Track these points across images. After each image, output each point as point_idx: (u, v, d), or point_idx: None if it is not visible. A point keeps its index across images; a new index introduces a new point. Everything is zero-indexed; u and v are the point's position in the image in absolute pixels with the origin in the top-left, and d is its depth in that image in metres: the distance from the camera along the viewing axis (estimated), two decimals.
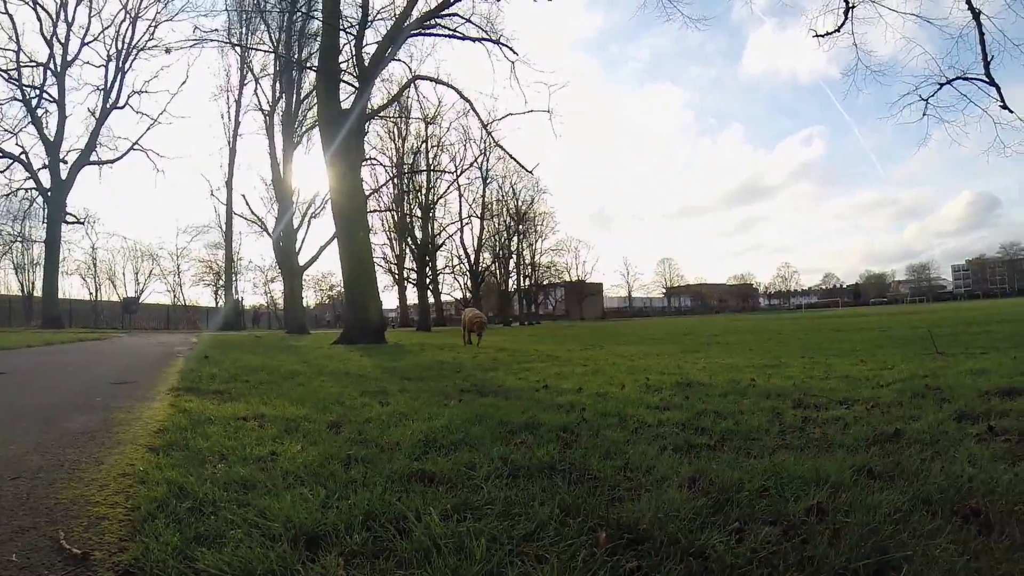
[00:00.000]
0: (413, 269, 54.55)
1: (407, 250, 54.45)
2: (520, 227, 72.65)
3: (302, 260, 38.07)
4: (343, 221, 20.90)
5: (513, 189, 69.33)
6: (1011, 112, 14.73)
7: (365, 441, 3.96)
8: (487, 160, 60.35)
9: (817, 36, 16.24)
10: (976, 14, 13.90)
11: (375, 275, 22.38)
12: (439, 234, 56.63)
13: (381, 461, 3.39)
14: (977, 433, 3.75)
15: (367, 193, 32.36)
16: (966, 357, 8.18)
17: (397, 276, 56.09)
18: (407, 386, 7.12)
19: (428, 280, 54.65)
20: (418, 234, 53.55)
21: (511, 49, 22.79)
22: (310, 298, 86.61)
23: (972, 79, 14.78)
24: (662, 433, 4.14)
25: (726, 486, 2.78)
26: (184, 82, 43.05)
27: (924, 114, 15.19)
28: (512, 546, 2.20)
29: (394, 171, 51.19)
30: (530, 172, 28.83)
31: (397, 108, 43.09)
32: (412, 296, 59.13)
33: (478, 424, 4.39)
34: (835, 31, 15.85)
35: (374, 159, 47.09)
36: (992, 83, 14.57)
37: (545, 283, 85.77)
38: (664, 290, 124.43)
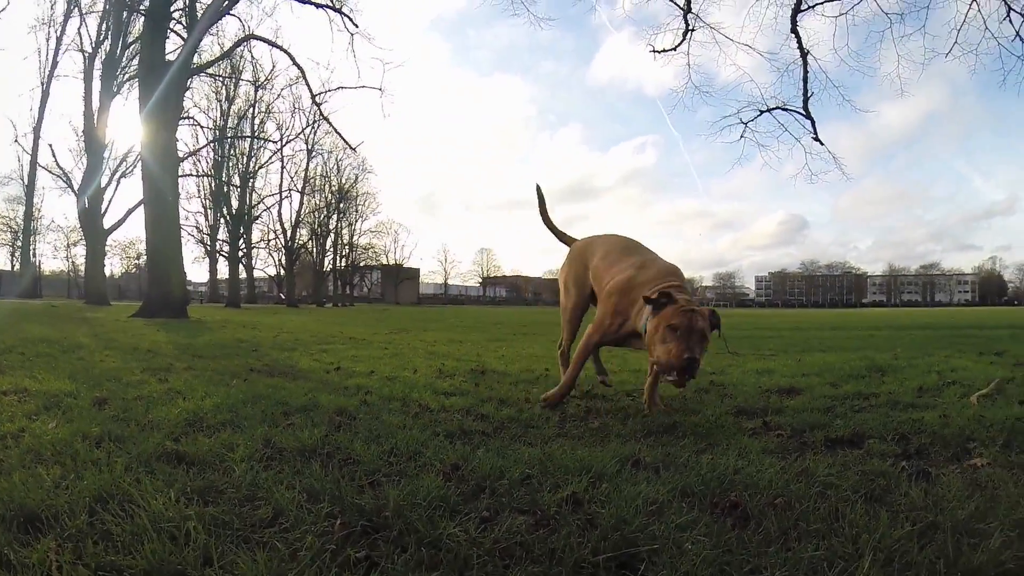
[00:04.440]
0: (226, 241, 51.78)
1: (222, 220, 51.74)
2: (341, 205, 70.78)
3: (108, 223, 35.42)
4: (152, 182, 19.52)
5: (338, 165, 67.34)
6: (821, 144, 16.07)
7: (127, 419, 3.70)
8: (315, 132, 57.90)
9: (655, 52, 16.89)
10: (804, 53, 15.01)
11: (180, 244, 21.14)
12: (256, 205, 54.35)
13: (135, 440, 3.16)
14: (752, 428, 3.87)
15: (184, 155, 30.50)
16: (756, 358, 8.68)
17: (209, 248, 53.27)
18: (195, 364, 6.77)
19: (241, 254, 52.27)
20: (235, 204, 51.01)
21: (352, 20, 22.29)
22: (115, 266, 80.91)
23: (791, 110, 15.87)
24: (441, 419, 4.04)
25: (487, 474, 2.70)
26: (4, 8, 38.27)
27: (742, 136, 16.32)
28: (244, 532, 2.06)
29: (216, 134, 48.55)
30: (354, 149, 28.33)
31: (228, 67, 41.00)
32: (224, 270, 55.90)
33: (253, 404, 4.19)
34: (671, 49, 16.60)
35: (195, 119, 44.53)
36: (808, 116, 15.92)
37: (362, 264, 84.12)
38: (480, 279, 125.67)
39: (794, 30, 14.88)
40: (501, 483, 2.61)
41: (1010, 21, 13.58)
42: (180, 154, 26.70)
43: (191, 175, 48.65)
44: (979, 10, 13.98)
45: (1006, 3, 13.57)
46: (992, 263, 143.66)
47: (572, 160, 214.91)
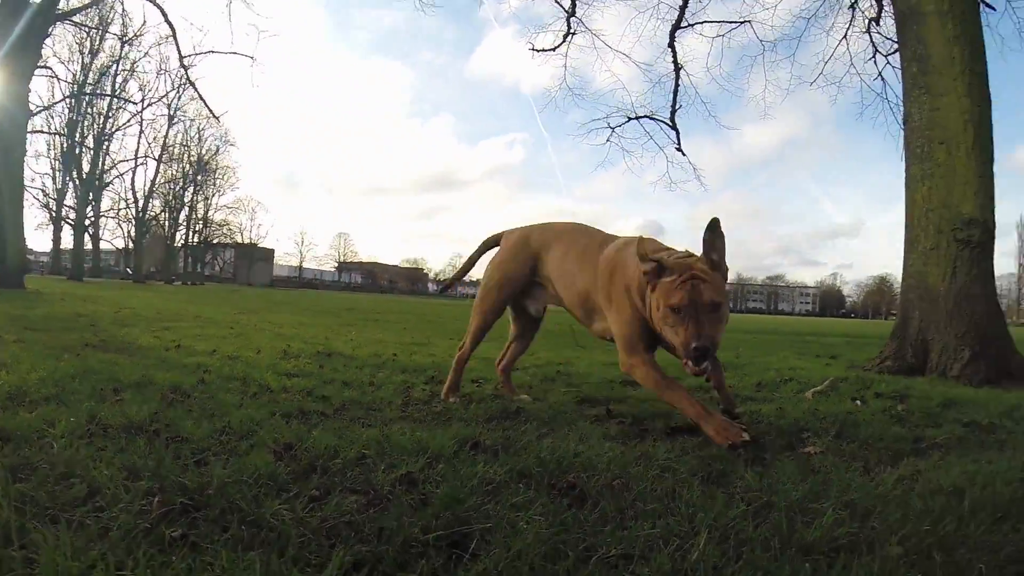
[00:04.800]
0: (73, 207, 48.66)
1: (70, 184, 48.66)
2: (199, 177, 67.68)
3: None
4: None
5: (200, 135, 64.49)
6: (683, 155, 16.96)
7: None
8: (179, 97, 55.35)
9: (534, 50, 17.03)
10: (677, 68, 15.59)
11: (22, 207, 19.67)
12: (110, 170, 51.44)
13: None
14: (595, 415, 3.88)
15: (36, 109, 28.07)
16: (604, 351, 8.81)
17: (54, 214, 49.82)
18: (26, 336, 6.35)
19: (88, 222, 49.23)
20: (86, 167, 47.98)
21: None
22: None
23: (658, 120, 16.49)
24: (281, 399, 3.88)
25: (321, 454, 2.58)
26: None
27: (608, 140, 16.76)
28: (54, 510, 1.87)
29: (75, 89, 45.30)
30: (217, 119, 27.19)
31: (96, 17, 38.49)
32: (68, 240, 52.19)
33: (82, 379, 3.91)
34: (551, 50, 16.82)
35: (53, 70, 41.32)
36: (674, 127, 16.60)
37: (215, 242, 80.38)
38: (336, 264, 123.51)
39: (671, 45, 15.34)
40: (335, 463, 2.50)
41: (875, 62, 14.67)
42: (32, 108, 24.71)
43: (42, 131, 45.52)
44: (848, 48, 14.97)
45: (873, 45, 14.49)
46: (833, 278, 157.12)
47: (441, 150, 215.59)
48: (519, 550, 1.72)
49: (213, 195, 72.58)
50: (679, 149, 16.86)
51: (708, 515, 2.04)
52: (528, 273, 4.40)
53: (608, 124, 16.64)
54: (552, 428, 3.46)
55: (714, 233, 3.20)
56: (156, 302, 16.55)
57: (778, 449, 3.21)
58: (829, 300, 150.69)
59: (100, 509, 1.86)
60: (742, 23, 14.92)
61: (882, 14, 13.63)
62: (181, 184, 65.30)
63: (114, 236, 60.33)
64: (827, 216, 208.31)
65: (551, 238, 4.34)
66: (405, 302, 47.55)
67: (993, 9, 11.60)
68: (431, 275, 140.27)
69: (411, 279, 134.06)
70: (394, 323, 14.96)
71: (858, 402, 4.65)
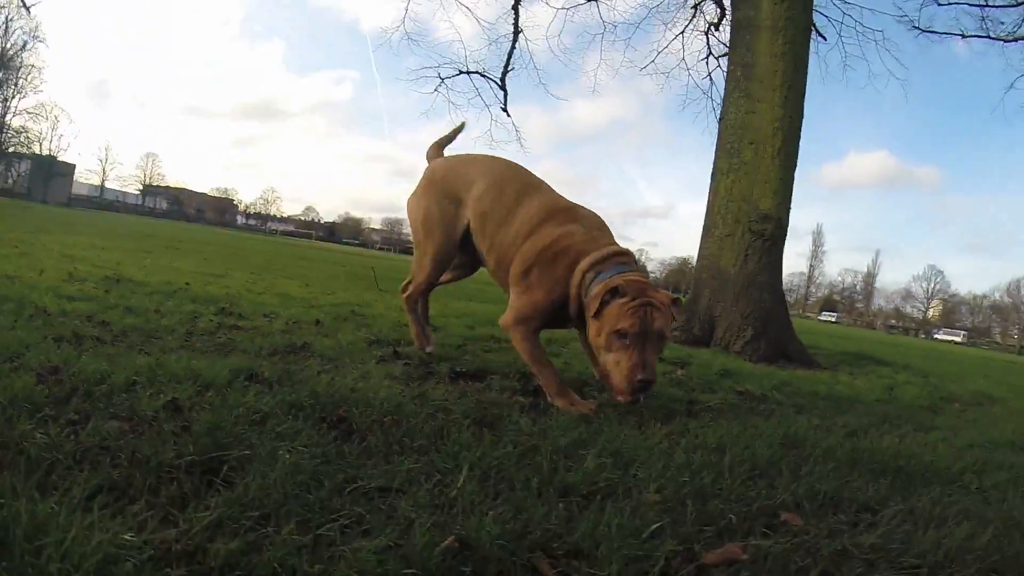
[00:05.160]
0: None
1: None
2: (1, 74, 60.38)
3: None
4: None
5: (7, 25, 57.56)
6: (508, 116, 17.07)
7: None
8: None
9: None
10: (517, 30, 15.64)
11: None
12: None
13: None
14: (382, 355, 3.88)
15: None
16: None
17: None
18: None
19: None
20: None
21: None
22: None
23: (488, 78, 16.56)
24: (58, 323, 3.62)
25: (88, 379, 2.43)
26: None
27: (436, 90, 16.57)
28: None
29: None
30: (27, 9, 24.35)
31: None
32: None
33: None
34: None
35: None
36: (503, 88, 16.62)
37: (11, 150, 72.46)
38: (142, 187, 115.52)
39: (516, 7, 15.28)
40: (101, 388, 2.36)
41: (707, 63, 15.51)
42: None
43: None
44: (683, 44, 15.68)
45: (708, 47, 15.26)
46: (639, 254, 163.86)
47: (266, 76, 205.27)
48: (275, 478, 1.70)
49: (14, 96, 65.72)
50: (504, 110, 16.96)
51: (473, 453, 2.11)
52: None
53: (439, 75, 16.53)
54: (336, 366, 3.43)
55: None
56: None
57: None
58: None
59: None
60: (589, 0, 15.15)
61: (722, 21, 14.36)
62: None
63: None
64: (641, 196, 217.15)
65: (474, 175, 4.03)
66: (211, 232, 45.35)
67: (824, 39, 12.83)
68: (241, 207, 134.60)
69: (220, 209, 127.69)
70: (194, 252, 14.34)
71: None
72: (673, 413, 3.29)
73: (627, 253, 3.36)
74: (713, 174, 7.62)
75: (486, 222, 3.80)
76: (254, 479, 1.68)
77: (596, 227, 3.54)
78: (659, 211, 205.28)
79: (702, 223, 7.73)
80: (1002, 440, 3.82)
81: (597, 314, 3.03)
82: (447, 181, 4.05)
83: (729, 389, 4.31)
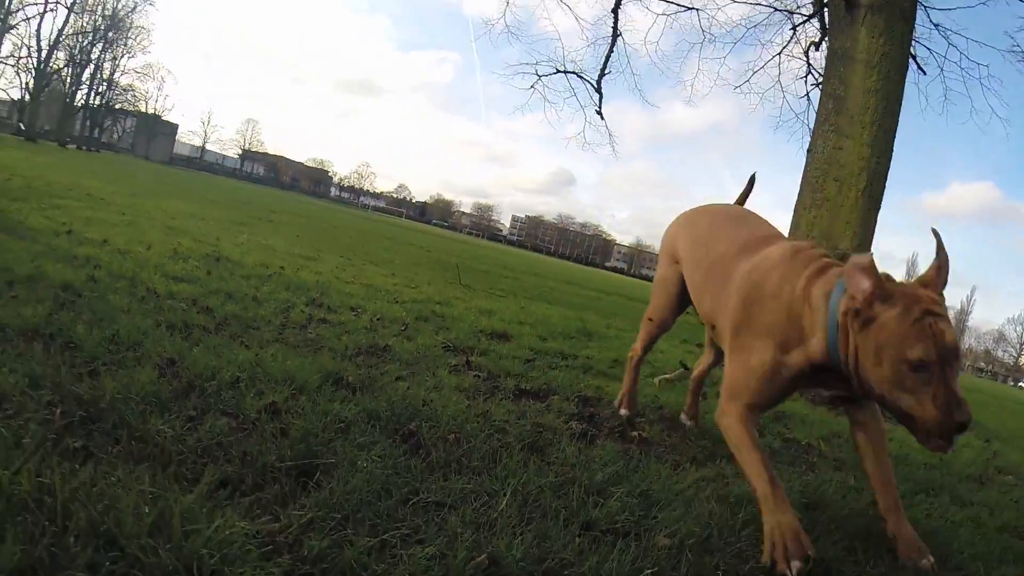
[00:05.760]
0: None
1: None
2: (111, 34, 61.81)
3: None
4: None
5: None
6: (602, 119, 17.05)
7: None
8: None
9: None
10: (616, 34, 15.61)
11: None
12: (16, 12, 47.35)
13: None
14: (455, 364, 4.20)
15: None
16: (485, 296, 9.13)
17: None
18: None
19: None
20: None
21: None
22: None
23: (585, 79, 16.61)
24: (167, 307, 4.05)
25: (200, 373, 2.83)
26: None
27: (532, 87, 16.72)
28: None
29: None
30: None
31: None
32: None
33: None
34: None
35: None
36: (598, 91, 16.62)
37: (118, 107, 74.35)
38: (241, 151, 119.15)
39: (616, 10, 15.39)
40: (211, 384, 2.74)
41: (805, 81, 15.14)
42: None
43: None
44: (779, 64, 15.41)
45: (808, 66, 14.92)
46: None
47: (370, 51, 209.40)
48: (354, 486, 2.06)
49: (123, 56, 66.75)
50: (599, 112, 17.03)
51: (518, 479, 2.41)
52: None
53: (536, 71, 16.76)
54: (413, 372, 3.77)
55: (944, 251, 2.37)
56: (49, 171, 15.74)
57: (609, 430, 3.50)
58: None
59: (9, 417, 2.05)
60: (690, 9, 15.17)
61: (823, 42, 13.82)
62: (91, 38, 59.96)
63: (10, 85, 55.60)
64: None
65: (684, 226, 3.64)
66: (304, 204, 46.52)
67: (924, 73, 12.27)
68: (336, 179, 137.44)
69: (315, 180, 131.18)
70: (288, 227, 14.98)
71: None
72: (714, 455, 3.38)
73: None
74: (796, 206, 7.46)
75: (692, 275, 3.38)
76: (339, 484, 2.04)
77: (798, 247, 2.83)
78: None
79: None
80: None
81: (862, 330, 2.22)
82: (667, 237, 3.78)
83: (777, 435, 4.29)
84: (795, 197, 7.42)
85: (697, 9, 15.11)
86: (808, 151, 7.54)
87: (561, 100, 18.57)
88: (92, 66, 62.82)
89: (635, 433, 3.49)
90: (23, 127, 51.07)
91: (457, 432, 2.81)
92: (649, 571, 1.95)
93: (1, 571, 1.28)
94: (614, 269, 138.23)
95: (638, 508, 2.41)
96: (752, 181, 3.99)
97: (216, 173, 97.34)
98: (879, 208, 7.15)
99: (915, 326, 2.12)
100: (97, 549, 1.45)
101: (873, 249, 6.90)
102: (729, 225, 3.27)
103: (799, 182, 7.53)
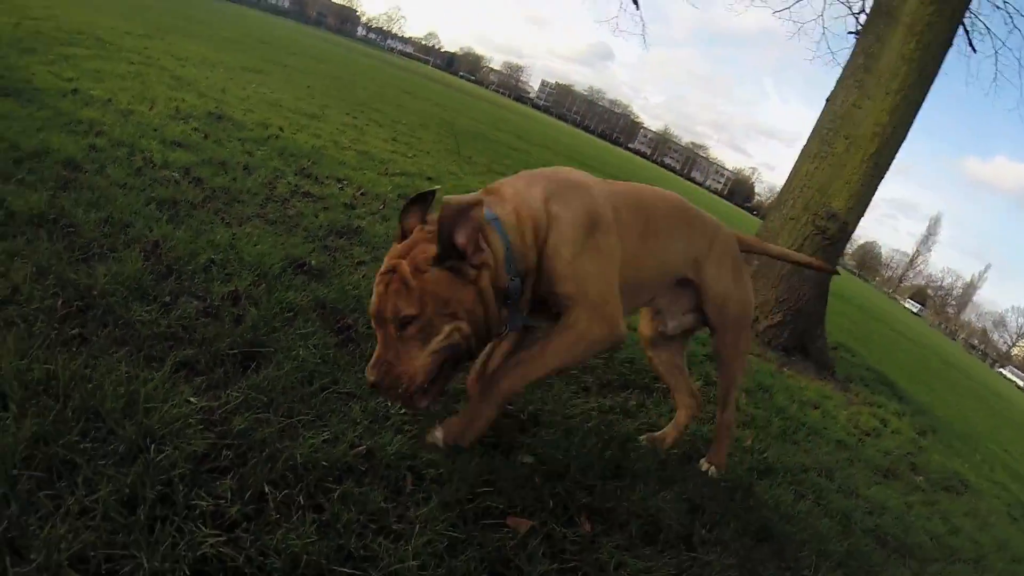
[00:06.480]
0: None
1: None
2: None
3: None
4: None
5: None
6: (637, 7, 17.26)
7: None
8: None
9: None
10: None
11: None
12: None
13: None
14: None
15: None
16: (484, 172, 9.49)
17: None
18: None
19: None
20: None
21: None
22: None
23: None
24: (161, 178, 4.44)
25: (179, 256, 3.26)
26: None
27: None
28: None
29: None
30: None
31: None
32: None
33: None
34: None
35: None
36: None
37: None
38: None
39: None
40: (188, 268, 3.19)
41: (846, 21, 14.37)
42: None
43: None
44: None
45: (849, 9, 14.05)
46: (752, 172, 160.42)
47: None
48: (284, 372, 2.58)
49: None
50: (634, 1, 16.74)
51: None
52: None
53: None
54: (375, 257, 4.17)
55: (456, 211, 2.07)
56: (64, 8, 14.68)
57: None
58: (739, 189, 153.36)
59: (22, 306, 2.43)
60: None
61: None
62: None
63: None
64: (771, 115, 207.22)
65: None
66: (327, 44, 45.33)
67: (974, 51, 11.72)
68: (364, 19, 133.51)
69: (342, 17, 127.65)
70: (302, 75, 15.05)
71: None
72: (628, 384, 3.82)
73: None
74: (801, 153, 7.37)
75: None
76: (272, 370, 2.56)
77: None
78: (785, 136, 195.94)
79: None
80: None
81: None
82: None
83: (703, 375, 4.55)
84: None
85: None
86: (827, 100, 7.38)
87: None
88: None
89: None
90: None
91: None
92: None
93: (22, 439, 1.77)
94: (637, 152, 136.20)
95: (521, 426, 2.89)
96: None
97: (240, 3, 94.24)
98: (883, 176, 7.10)
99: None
100: (87, 422, 1.95)
101: (893, 198, 6.62)
102: None
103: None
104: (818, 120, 7.34)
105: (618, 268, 2.46)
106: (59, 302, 2.53)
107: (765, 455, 3.66)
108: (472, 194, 2.22)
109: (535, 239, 2.31)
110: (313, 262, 3.77)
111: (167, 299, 2.85)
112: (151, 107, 6.63)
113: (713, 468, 3.10)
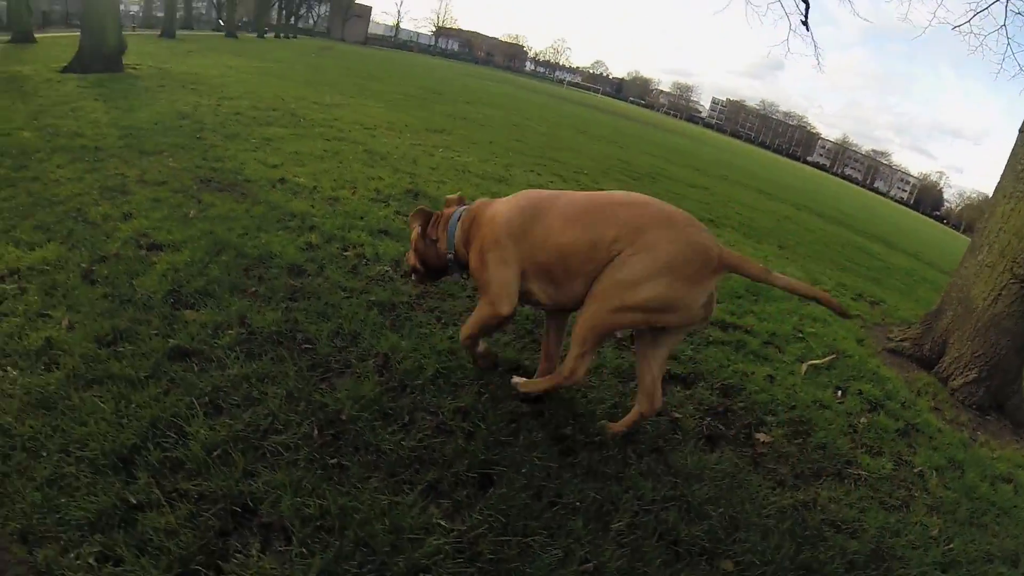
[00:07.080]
0: None
1: None
2: None
3: None
4: None
5: None
6: (807, 30, 16.74)
7: (115, 296, 3.81)
8: None
9: None
10: None
11: None
12: None
13: (142, 337, 3.41)
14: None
15: None
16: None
17: None
18: (147, 167, 6.64)
19: None
20: None
21: None
22: None
23: None
24: (376, 275, 4.64)
25: (410, 371, 3.43)
26: None
27: None
28: (254, 440, 2.69)
29: None
30: None
31: None
32: None
33: (217, 259, 4.44)
34: None
35: None
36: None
37: None
38: (434, 29, 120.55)
39: None
40: (417, 382, 3.35)
41: None
42: None
43: None
44: (1005, 8, 13.37)
45: None
46: (939, 177, 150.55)
47: None
48: (516, 490, 2.71)
49: None
50: (804, 23, 16.47)
51: (637, 492, 2.98)
52: None
53: None
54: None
55: (422, 213, 3.58)
56: (252, 80, 16.04)
57: (739, 427, 3.75)
58: (926, 196, 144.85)
59: (278, 432, 2.71)
60: None
61: None
62: None
63: None
64: (955, 111, 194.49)
65: None
66: (499, 84, 46.40)
67: None
68: (531, 54, 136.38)
69: (510, 55, 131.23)
70: (480, 128, 15.37)
71: (839, 392, 4.81)
72: (820, 472, 3.58)
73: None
74: (995, 191, 6.47)
75: None
76: (505, 490, 2.69)
77: None
78: (972, 134, 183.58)
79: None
80: None
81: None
82: None
83: (895, 455, 4.11)
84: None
85: None
86: (1020, 130, 6.35)
87: (765, 5, 18.13)
88: None
89: (759, 437, 3.72)
90: (222, 23, 53.53)
91: (599, 434, 3.24)
92: None
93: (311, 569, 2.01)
94: (816, 165, 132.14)
95: (723, 531, 2.82)
96: None
97: (411, 50, 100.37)
98: None
99: None
100: (363, 555, 2.19)
101: None
102: None
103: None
104: (1011, 153, 6.37)
105: (515, 265, 3.22)
106: (315, 431, 2.79)
107: (951, 546, 3.38)
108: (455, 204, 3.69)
109: (465, 236, 3.40)
110: (528, 362, 3.81)
111: (406, 419, 3.03)
112: (353, 191, 6.92)
113: (520, 381, 3.47)
